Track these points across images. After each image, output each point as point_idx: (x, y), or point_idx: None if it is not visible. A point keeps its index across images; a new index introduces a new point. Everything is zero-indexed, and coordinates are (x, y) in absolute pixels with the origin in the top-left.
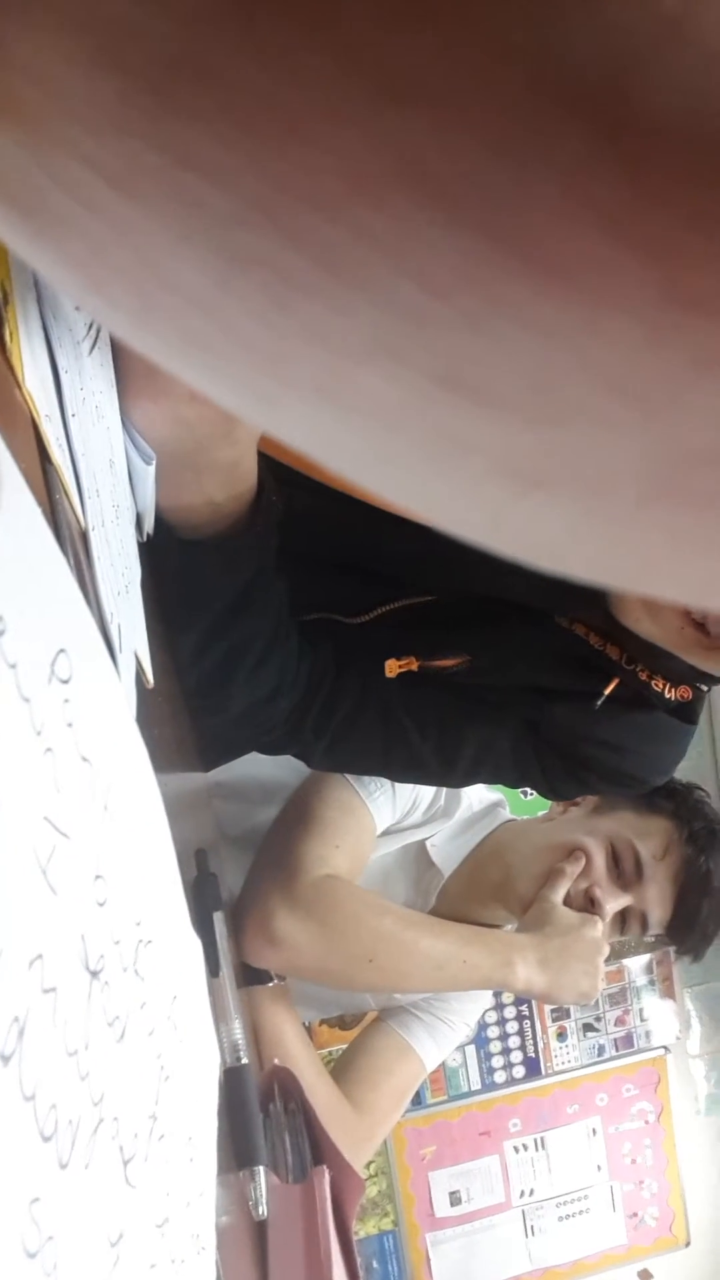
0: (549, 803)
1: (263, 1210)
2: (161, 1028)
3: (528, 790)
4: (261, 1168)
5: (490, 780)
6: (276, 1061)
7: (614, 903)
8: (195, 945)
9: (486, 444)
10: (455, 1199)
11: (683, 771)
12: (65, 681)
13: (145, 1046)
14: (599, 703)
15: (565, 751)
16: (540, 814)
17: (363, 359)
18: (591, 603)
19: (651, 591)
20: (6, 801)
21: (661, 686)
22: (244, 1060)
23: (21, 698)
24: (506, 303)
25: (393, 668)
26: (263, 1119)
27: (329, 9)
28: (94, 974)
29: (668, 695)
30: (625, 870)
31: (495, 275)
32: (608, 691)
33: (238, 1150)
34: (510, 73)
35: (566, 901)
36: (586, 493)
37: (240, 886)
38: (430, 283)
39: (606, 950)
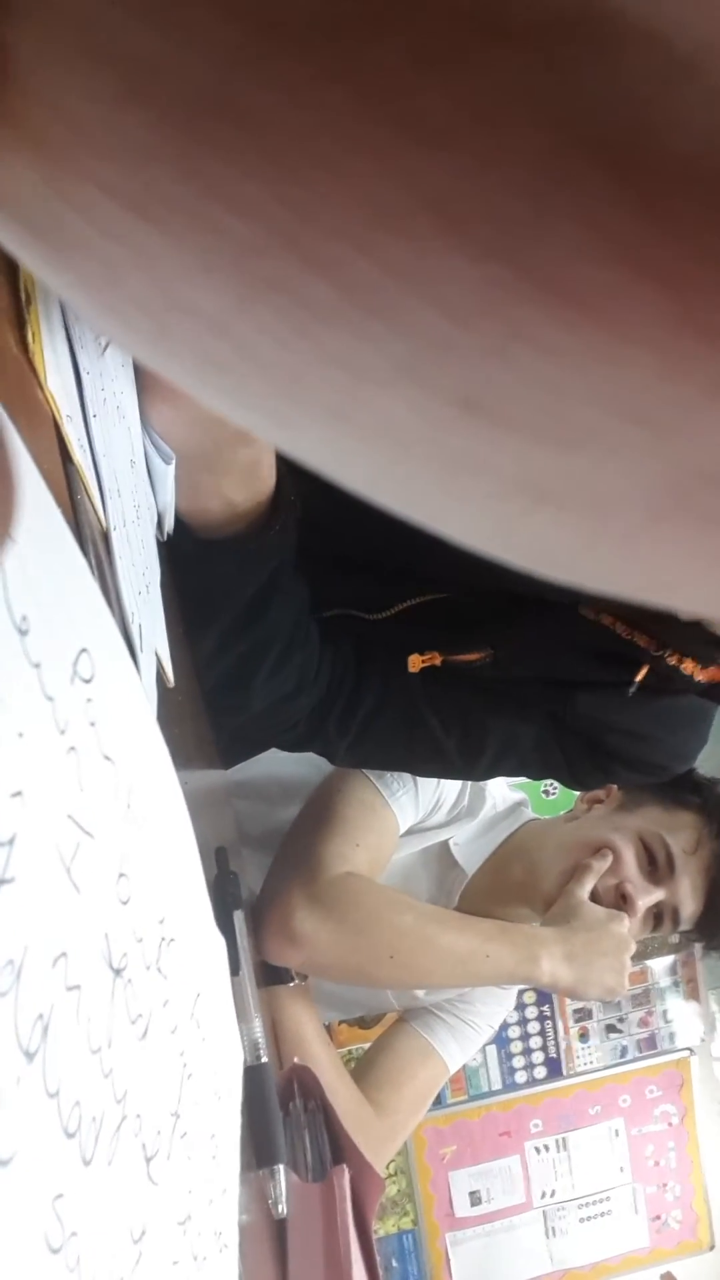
0: (572, 802)
1: (283, 1209)
2: (184, 1025)
3: (550, 789)
4: (281, 1166)
5: (513, 773)
6: (296, 1060)
7: (646, 898)
8: (218, 943)
9: (501, 464)
10: (475, 1199)
11: (707, 769)
12: (88, 681)
13: (168, 1044)
14: (631, 691)
15: (590, 742)
16: (563, 813)
17: (383, 383)
18: None
19: (663, 603)
20: (31, 800)
21: (691, 669)
22: (264, 1059)
23: (45, 697)
24: (527, 330)
25: (415, 663)
26: (282, 1118)
27: (352, 52)
28: (117, 972)
29: (698, 677)
30: (658, 864)
31: (517, 303)
32: (639, 679)
33: (258, 1149)
34: (528, 121)
35: (596, 898)
36: (599, 510)
37: (260, 886)
38: (453, 310)
39: (633, 947)
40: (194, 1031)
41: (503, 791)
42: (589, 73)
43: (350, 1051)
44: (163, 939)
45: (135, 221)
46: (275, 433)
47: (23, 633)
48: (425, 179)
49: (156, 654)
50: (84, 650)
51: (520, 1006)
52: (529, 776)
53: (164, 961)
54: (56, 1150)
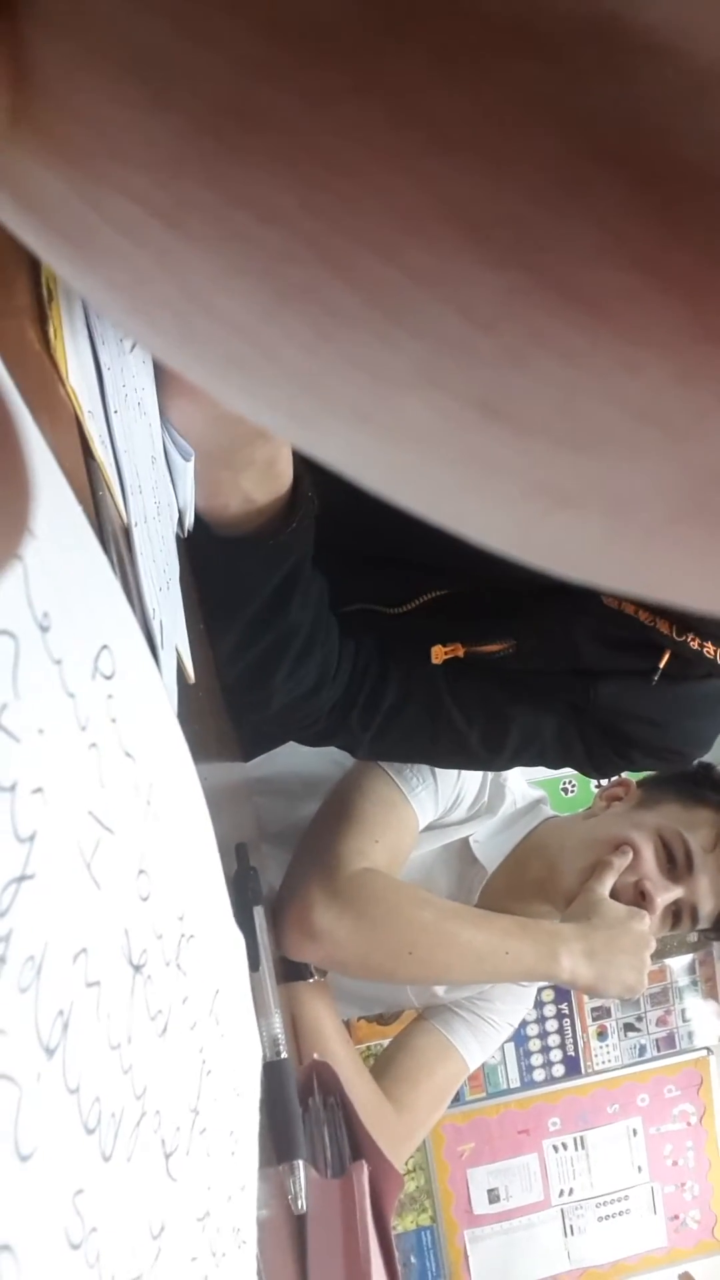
0: (591, 800)
1: (302, 1204)
2: (203, 1022)
3: (569, 787)
4: (301, 1162)
5: (533, 763)
6: (316, 1056)
7: (665, 895)
8: (237, 940)
9: (519, 466)
10: (494, 1196)
11: None
12: (109, 677)
13: (187, 1040)
14: (655, 678)
15: (610, 731)
16: (582, 810)
17: (405, 387)
18: None
19: (679, 602)
20: (52, 797)
21: (714, 653)
22: (284, 1054)
23: (67, 693)
24: (546, 335)
25: (439, 654)
26: (301, 1113)
27: (374, 61)
28: (137, 968)
29: None
30: (676, 862)
31: (536, 309)
32: (662, 665)
33: (277, 1144)
34: (546, 130)
35: (615, 895)
36: (615, 512)
37: (280, 882)
38: (474, 316)
39: (654, 945)
40: (213, 1028)
41: (522, 788)
42: (606, 81)
43: (369, 1047)
44: (182, 935)
45: (163, 228)
46: (296, 432)
47: (44, 629)
48: (447, 186)
49: (177, 650)
50: (105, 647)
51: (539, 1005)
52: (548, 766)
53: (183, 958)
54: (77, 1146)
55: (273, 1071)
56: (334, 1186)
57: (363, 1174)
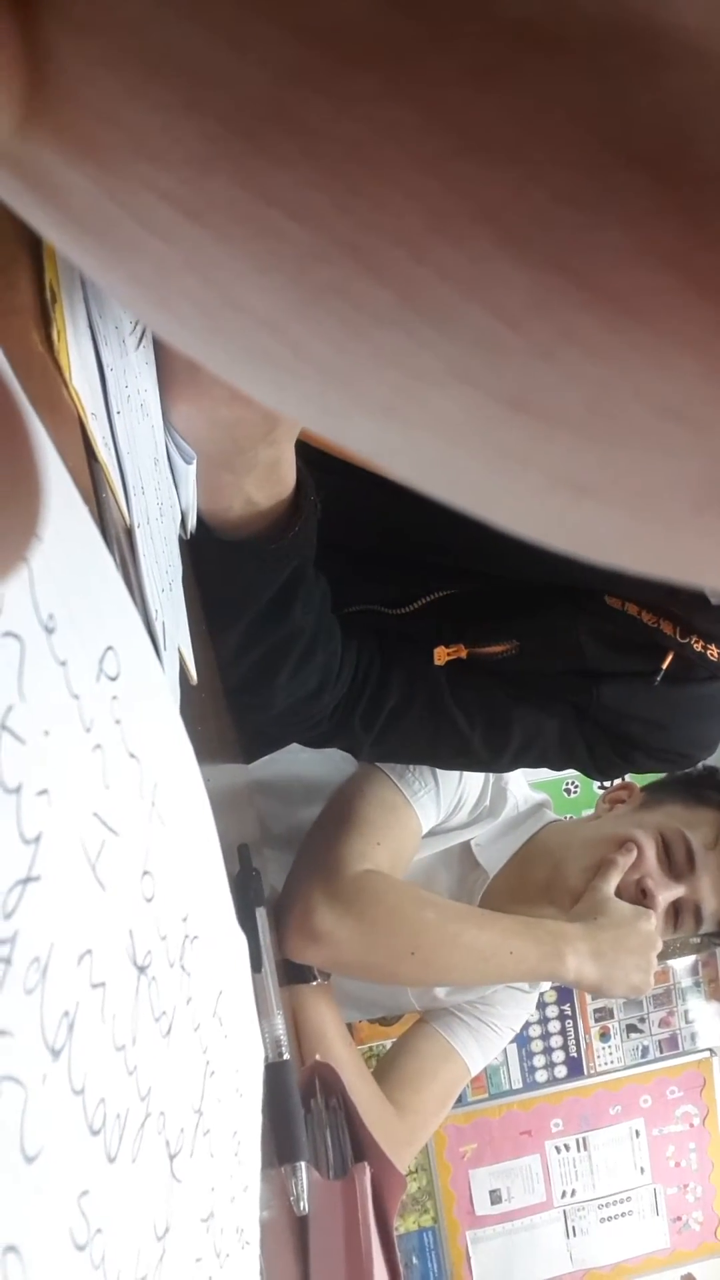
0: (594, 803)
1: (304, 1205)
2: (207, 1023)
3: (572, 787)
4: (303, 1163)
5: (536, 764)
6: (318, 1057)
7: (667, 894)
8: (240, 941)
9: (547, 459)
10: (496, 1197)
11: None
12: (113, 678)
13: (191, 1041)
14: (658, 679)
15: (612, 732)
16: (585, 814)
17: (435, 382)
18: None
19: (703, 584)
20: (58, 798)
21: (716, 655)
22: (286, 1056)
23: (71, 694)
24: (575, 332)
25: (441, 655)
26: (304, 1115)
27: (412, 67)
28: (141, 969)
29: None
30: (677, 860)
31: (566, 307)
32: (665, 667)
33: (279, 1145)
34: (579, 133)
35: (617, 894)
36: (642, 503)
37: (282, 885)
38: (505, 314)
39: (660, 945)
40: (216, 1029)
41: (525, 791)
42: (638, 85)
43: (371, 1048)
44: (186, 936)
45: (191, 226)
46: (323, 423)
47: (49, 631)
48: (477, 187)
49: (180, 651)
50: (110, 648)
51: (541, 1005)
52: (551, 767)
53: (187, 959)
54: (82, 1147)
55: (275, 1073)
56: (336, 1188)
57: (365, 1175)
